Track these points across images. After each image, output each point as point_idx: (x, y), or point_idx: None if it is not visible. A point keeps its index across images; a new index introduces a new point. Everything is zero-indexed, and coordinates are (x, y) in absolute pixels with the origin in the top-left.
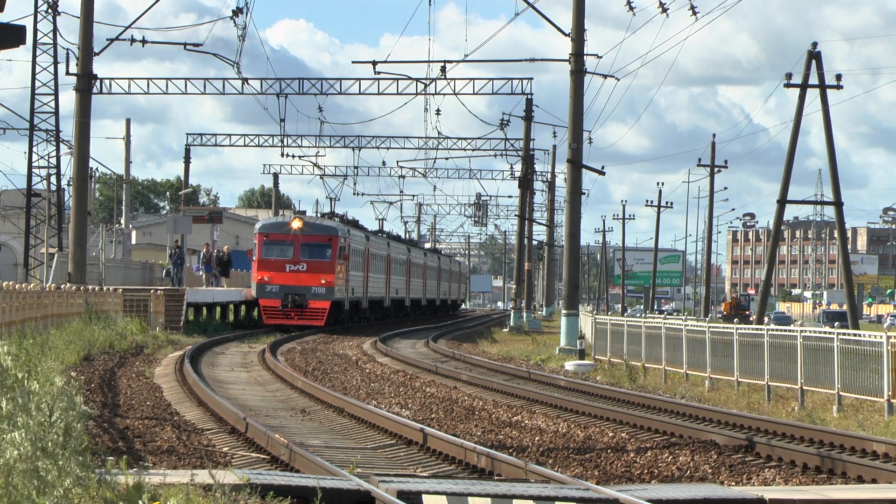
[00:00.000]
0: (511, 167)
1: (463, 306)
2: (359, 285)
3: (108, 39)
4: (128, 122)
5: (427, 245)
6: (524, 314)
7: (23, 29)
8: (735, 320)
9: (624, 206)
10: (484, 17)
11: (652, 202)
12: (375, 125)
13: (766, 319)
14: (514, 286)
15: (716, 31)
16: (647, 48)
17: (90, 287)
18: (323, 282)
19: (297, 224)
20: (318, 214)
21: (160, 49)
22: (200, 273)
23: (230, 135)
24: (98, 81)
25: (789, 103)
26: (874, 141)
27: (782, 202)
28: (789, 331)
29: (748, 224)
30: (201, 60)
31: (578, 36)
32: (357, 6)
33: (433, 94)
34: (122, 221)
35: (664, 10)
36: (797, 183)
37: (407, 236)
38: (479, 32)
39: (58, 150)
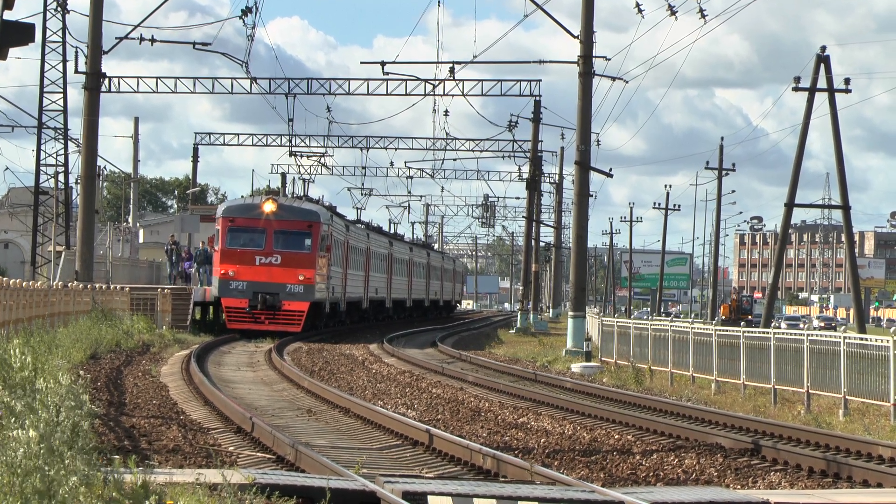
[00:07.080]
0: (519, 169)
1: (465, 306)
2: (339, 283)
3: (117, 38)
4: (136, 120)
5: (436, 245)
6: (531, 316)
7: (32, 27)
8: (741, 324)
9: (631, 208)
10: (478, 19)
11: (658, 204)
12: (379, 126)
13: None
14: (521, 288)
15: (709, 33)
16: (644, 50)
17: (97, 285)
18: (301, 278)
19: (269, 207)
20: (292, 196)
21: (156, 47)
22: (192, 270)
23: (238, 134)
24: (107, 80)
25: (787, 106)
26: (873, 145)
27: (790, 205)
28: (796, 334)
29: (755, 227)
30: (197, 59)
31: (587, 38)
32: (348, 7)
33: (442, 95)
34: (130, 220)
35: (673, 13)
36: (801, 186)
37: (413, 237)
38: (469, 34)
39: (66, 147)
